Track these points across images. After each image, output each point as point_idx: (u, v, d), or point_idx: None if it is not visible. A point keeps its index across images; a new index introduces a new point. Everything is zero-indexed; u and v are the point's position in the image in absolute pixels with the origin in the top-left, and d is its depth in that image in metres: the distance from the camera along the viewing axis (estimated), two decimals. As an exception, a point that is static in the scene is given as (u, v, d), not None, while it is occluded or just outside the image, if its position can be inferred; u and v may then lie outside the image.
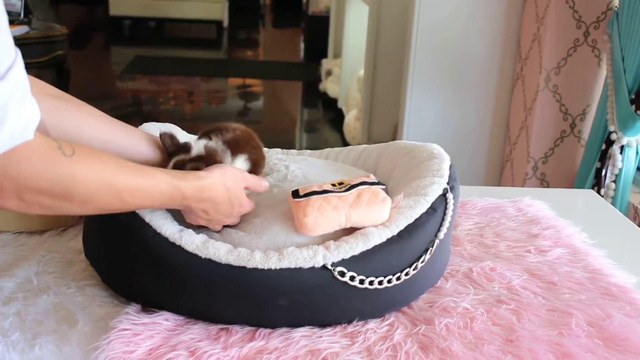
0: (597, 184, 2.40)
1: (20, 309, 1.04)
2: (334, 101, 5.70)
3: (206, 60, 7.90)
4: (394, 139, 4.18)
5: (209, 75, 7.31)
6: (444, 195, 1.14)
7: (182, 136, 1.37)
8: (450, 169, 1.20)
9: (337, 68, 5.74)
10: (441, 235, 1.11)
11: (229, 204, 1.04)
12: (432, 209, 1.11)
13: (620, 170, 2.35)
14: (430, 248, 1.09)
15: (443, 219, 1.12)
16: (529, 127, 2.77)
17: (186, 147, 1.07)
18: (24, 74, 0.77)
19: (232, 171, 1.05)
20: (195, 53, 8.11)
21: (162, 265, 1.02)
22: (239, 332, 1.02)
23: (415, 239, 1.07)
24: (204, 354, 0.96)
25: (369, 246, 1.03)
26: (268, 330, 1.03)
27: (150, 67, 7.12)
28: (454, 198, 1.15)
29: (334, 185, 1.10)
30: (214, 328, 1.03)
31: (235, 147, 1.12)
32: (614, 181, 2.37)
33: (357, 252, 1.02)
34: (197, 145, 1.08)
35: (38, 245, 1.26)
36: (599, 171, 2.41)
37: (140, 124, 1.23)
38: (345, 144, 4.77)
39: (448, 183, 1.17)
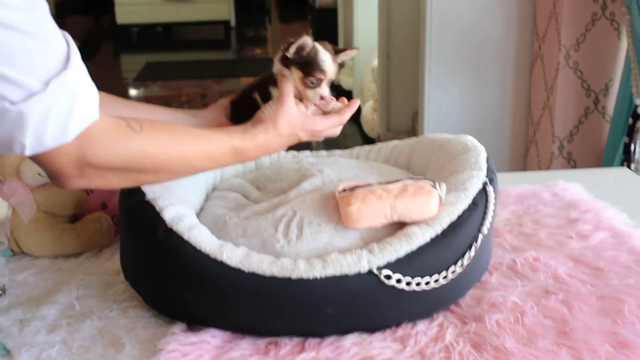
0: (627, 160, 2.36)
1: (66, 336, 1.03)
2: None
3: (216, 61, 7.88)
4: (413, 127, 4.15)
5: (220, 76, 7.29)
6: (484, 189, 1.12)
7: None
8: (487, 161, 1.18)
9: (350, 59, 5.70)
10: (484, 230, 1.09)
11: (295, 138, 1.06)
12: (474, 204, 1.09)
13: (650, 144, 2.31)
14: (475, 244, 1.07)
15: (485, 213, 1.10)
16: (551, 106, 2.73)
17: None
18: (79, 57, 0.80)
19: (283, 118, 1.05)
20: (205, 55, 8.08)
21: (206, 282, 1.00)
22: (287, 344, 1.01)
23: (459, 236, 1.05)
24: (255, 370, 0.94)
25: (414, 247, 1.01)
26: (317, 340, 1.01)
27: (162, 73, 7.11)
28: (494, 191, 1.13)
29: (379, 183, 1.08)
30: (262, 342, 1.02)
31: None
32: (644, 155, 2.33)
33: (401, 254, 1.00)
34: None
35: (75, 268, 1.25)
36: (627, 146, 2.37)
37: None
38: (363, 135, 4.74)
39: (487, 176, 1.14)
